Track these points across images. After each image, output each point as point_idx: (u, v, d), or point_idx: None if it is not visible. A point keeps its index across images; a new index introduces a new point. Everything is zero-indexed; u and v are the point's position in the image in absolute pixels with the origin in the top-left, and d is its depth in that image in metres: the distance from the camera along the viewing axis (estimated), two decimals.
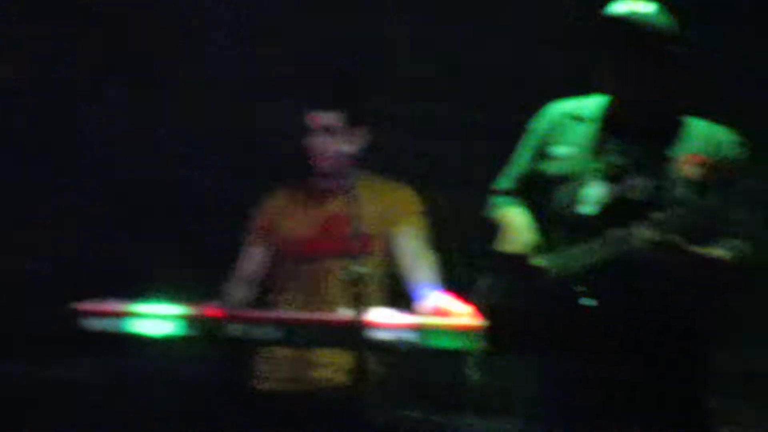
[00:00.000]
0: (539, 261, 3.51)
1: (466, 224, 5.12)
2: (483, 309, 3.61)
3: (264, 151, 5.44)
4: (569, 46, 5.00)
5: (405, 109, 5.47)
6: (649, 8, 3.56)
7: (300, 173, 4.77)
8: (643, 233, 3.32)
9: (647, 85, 3.51)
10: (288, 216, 4.72)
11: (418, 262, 4.61)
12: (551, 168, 3.59)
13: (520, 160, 3.70)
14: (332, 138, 4.64)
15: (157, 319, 3.88)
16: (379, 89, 5.26)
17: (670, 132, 3.53)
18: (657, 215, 3.34)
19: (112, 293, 3.92)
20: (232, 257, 4.75)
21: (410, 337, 3.88)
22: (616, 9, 3.55)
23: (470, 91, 5.46)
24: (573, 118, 3.64)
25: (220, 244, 5.08)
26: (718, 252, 3.41)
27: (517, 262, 3.53)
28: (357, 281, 3.68)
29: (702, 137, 3.53)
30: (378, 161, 4.69)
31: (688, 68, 3.57)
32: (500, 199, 3.71)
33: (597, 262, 3.42)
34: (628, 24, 3.49)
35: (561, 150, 3.61)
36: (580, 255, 3.46)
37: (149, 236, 5.34)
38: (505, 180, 3.73)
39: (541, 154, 3.64)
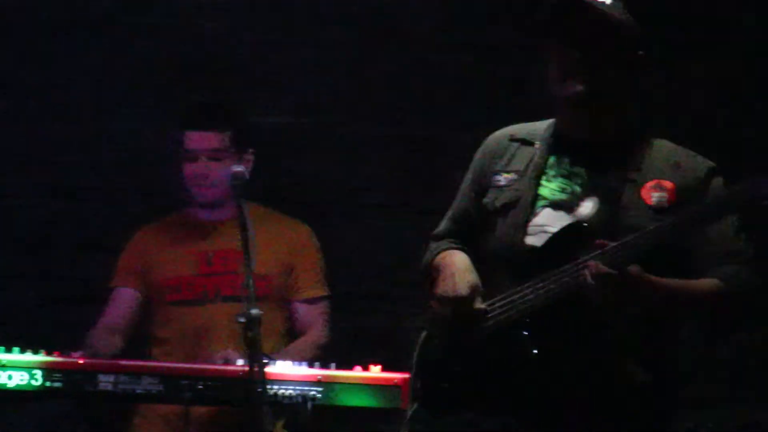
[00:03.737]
0: (481, 305, 3.14)
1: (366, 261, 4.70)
2: (417, 363, 3.25)
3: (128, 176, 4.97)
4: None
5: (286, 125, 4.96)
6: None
7: (173, 203, 4.37)
8: (595, 266, 2.96)
9: (609, 89, 3.14)
10: (161, 253, 4.31)
11: (313, 315, 4.25)
12: (493, 199, 3.24)
13: (460, 198, 3.38)
14: (216, 162, 4.18)
15: (10, 369, 3.71)
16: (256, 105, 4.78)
17: (629, 152, 3.19)
18: (611, 245, 2.99)
19: None
20: (98, 299, 4.34)
21: (316, 392, 3.66)
22: None
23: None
24: (516, 142, 3.30)
25: (84, 284, 4.70)
26: (706, 283, 3.06)
27: (459, 306, 3.14)
28: (252, 326, 3.25)
29: (666, 159, 3.18)
30: (260, 187, 4.20)
31: (645, 77, 3.23)
32: (437, 244, 3.35)
33: (542, 304, 3.06)
34: (595, 13, 3.09)
35: (503, 178, 3.25)
36: (524, 296, 3.09)
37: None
38: (445, 222, 3.40)
39: (483, 187, 3.29)
